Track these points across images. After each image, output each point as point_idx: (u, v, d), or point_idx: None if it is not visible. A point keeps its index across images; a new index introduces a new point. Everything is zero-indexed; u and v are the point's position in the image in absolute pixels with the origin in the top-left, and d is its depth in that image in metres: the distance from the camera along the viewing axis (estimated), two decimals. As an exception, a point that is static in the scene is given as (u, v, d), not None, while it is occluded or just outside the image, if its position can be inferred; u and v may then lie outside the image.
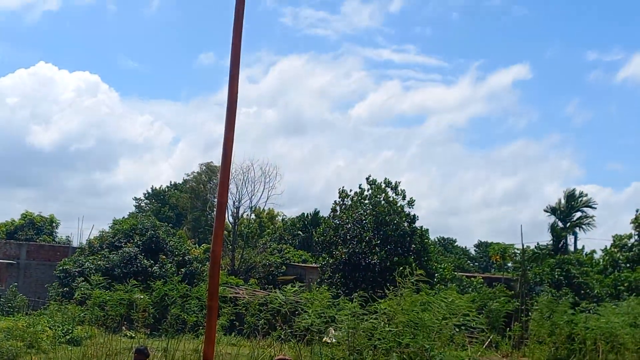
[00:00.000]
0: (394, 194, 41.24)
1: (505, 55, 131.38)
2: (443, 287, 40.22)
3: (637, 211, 52.37)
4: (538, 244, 56.59)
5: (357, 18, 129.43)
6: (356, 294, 20.46)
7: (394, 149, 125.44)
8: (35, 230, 61.71)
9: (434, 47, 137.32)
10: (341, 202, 42.24)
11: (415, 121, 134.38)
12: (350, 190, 42.36)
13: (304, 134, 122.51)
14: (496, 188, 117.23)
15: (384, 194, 40.95)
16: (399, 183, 41.40)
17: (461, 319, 15.91)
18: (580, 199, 58.31)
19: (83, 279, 39.89)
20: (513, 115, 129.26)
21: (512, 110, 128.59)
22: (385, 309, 16.64)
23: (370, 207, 40.67)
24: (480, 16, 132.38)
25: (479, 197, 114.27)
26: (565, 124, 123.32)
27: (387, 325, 15.99)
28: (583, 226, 57.78)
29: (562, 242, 57.22)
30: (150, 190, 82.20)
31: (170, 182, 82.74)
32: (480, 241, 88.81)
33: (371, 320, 16.44)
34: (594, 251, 56.28)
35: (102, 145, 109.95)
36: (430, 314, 15.78)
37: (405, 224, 39.93)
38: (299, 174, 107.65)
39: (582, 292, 44.60)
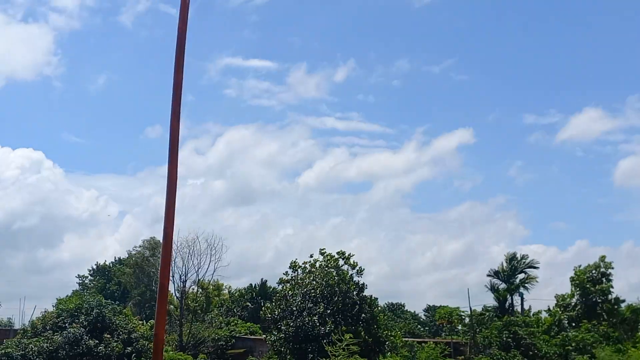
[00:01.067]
0: (345, 265, 41.64)
1: (448, 120, 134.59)
2: (394, 354, 40.23)
3: (574, 270, 53.46)
4: (484, 306, 57.12)
5: (303, 88, 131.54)
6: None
7: (342, 215, 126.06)
8: (-26, 313, 59.90)
9: (378, 114, 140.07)
10: (292, 274, 42.30)
11: (362, 187, 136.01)
12: (303, 263, 42.43)
13: (252, 203, 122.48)
14: (444, 251, 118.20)
15: (335, 266, 41.27)
16: (352, 255, 41.89)
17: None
18: (522, 261, 59.25)
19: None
20: (458, 178, 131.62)
21: (458, 174, 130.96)
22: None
23: (320, 277, 40.81)
24: (421, 83, 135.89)
25: (427, 261, 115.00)
26: (509, 185, 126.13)
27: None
28: (526, 286, 58.61)
29: (507, 304, 57.83)
30: (94, 267, 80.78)
31: (115, 257, 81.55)
32: (429, 305, 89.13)
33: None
34: (539, 312, 57.06)
35: (46, 222, 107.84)
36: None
37: (354, 294, 40.04)
38: (248, 243, 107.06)
39: (531, 352, 45.07)
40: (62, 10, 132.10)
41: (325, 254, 42.00)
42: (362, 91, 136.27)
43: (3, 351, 41.02)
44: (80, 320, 42.16)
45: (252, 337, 52.54)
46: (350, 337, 16.98)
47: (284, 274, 43.12)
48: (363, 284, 41.06)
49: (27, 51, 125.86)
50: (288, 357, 36.92)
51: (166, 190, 9.43)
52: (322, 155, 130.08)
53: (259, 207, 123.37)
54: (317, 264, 41.92)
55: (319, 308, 39.17)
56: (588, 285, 51.42)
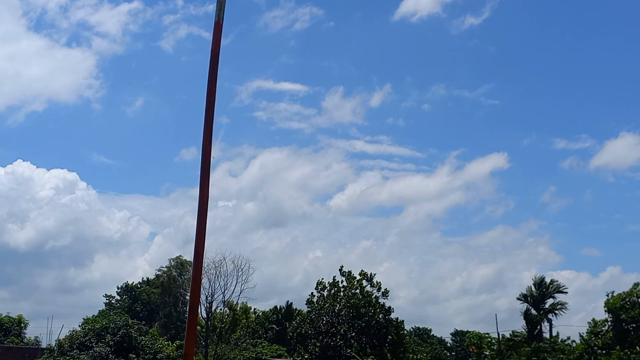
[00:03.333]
0: (369, 286, 41.30)
1: (483, 144, 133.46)
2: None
3: (607, 295, 52.45)
4: (513, 332, 56.22)
5: (338, 113, 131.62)
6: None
7: (373, 239, 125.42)
8: (2, 331, 60.23)
9: (412, 138, 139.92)
10: (318, 294, 42.16)
11: (393, 211, 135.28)
12: (328, 283, 42.31)
13: (283, 226, 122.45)
14: (474, 276, 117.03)
15: (359, 286, 40.95)
16: (374, 275, 41.44)
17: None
18: (551, 285, 58.37)
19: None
20: (491, 203, 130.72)
21: (490, 199, 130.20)
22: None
23: (345, 299, 40.56)
24: (455, 107, 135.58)
25: (457, 286, 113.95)
26: (542, 211, 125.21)
27: None
28: (556, 312, 57.66)
29: (537, 330, 56.92)
30: (122, 286, 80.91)
31: (143, 278, 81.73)
32: (457, 330, 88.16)
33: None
34: (569, 338, 56.05)
35: (77, 242, 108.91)
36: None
37: (381, 316, 39.76)
38: (277, 266, 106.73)
39: (560, 380, 44.30)
40: (105, 35, 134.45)
41: (346, 275, 41.75)
42: (393, 115, 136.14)
43: (30, 369, 41.30)
44: (107, 339, 42.26)
45: (278, 359, 52.16)
46: (372, 359, 16.79)
47: (309, 294, 43.02)
48: (389, 307, 40.74)
49: (69, 75, 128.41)
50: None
51: (197, 211, 9.41)
52: (354, 179, 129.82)
53: (289, 229, 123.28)
54: (341, 284, 41.76)
55: (344, 329, 38.96)
56: (621, 313, 50.46)
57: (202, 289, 53.34)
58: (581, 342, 52.63)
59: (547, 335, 57.26)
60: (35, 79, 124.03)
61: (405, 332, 44.69)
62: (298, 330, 41.86)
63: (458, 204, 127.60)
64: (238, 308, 63.53)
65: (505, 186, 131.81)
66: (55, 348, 44.89)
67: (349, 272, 42.05)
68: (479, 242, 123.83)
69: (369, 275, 41.47)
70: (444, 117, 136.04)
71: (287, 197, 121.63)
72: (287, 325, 53.80)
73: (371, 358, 16.47)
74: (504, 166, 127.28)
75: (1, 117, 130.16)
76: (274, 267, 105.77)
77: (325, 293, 41.95)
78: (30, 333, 65.09)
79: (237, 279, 53.72)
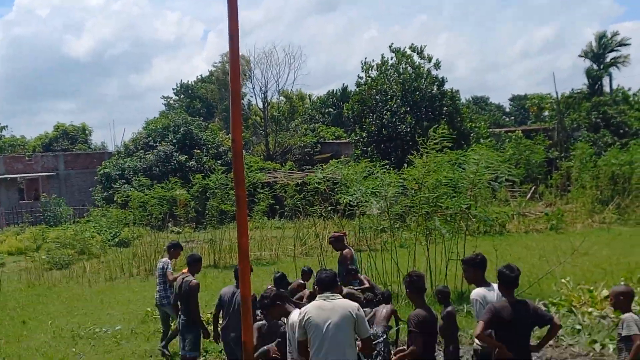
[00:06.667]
0: (419, 59, 40.45)
1: None
2: (480, 145, 39.90)
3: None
4: (573, 89, 55.31)
5: None
6: (386, 162, 20.37)
7: (428, 12, 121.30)
8: (69, 140, 62.37)
9: None
10: (366, 75, 41.68)
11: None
12: (373, 61, 41.64)
13: (336, 9, 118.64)
14: (534, 38, 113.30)
15: (409, 61, 40.16)
16: (425, 47, 40.43)
17: (494, 173, 15.39)
18: (613, 39, 56.37)
19: (124, 181, 40.63)
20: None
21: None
22: (409, 175, 16.22)
23: (396, 75, 40.02)
24: None
25: (517, 50, 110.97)
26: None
27: (419, 191, 15.76)
28: (617, 65, 56.14)
29: (597, 85, 55.84)
30: (178, 86, 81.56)
31: (198, 75, 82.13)
32: (514, 95, 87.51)
33: (401, 186, 16.13)
34: (629, 89, 54.99)
35: (135, 47, 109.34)
36: (459, 173, 15.44)
37: (434, 88, 39.28)
38: (334, 51, 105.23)
39: (621, 131, 44.00)
40: None
41: (396, 51, 40.85)
42: None
43: (102, 172, 43.06)
44: (169, 138, 43.36)
45: (338, 141, 53.06)
46: (443, 130, 16.54)
47: (357, 76, 42.62)
48: (442, 77, 40.09)
49: None
50: (373, 157, 37.14)
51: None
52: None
53: (343, 11, 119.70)
54: (390, 62, 41.04)
55: (396, 105, 38.83)
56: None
57: (254, 79, 53.61)
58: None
59: (607, 89, 56.24)
60: None
61: (461, 101, 44.31)
62: (352, 112, 42.00)
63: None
64: (293, 95, 63.94)
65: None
66: (122, 150, 46.40)
67: (398, 48, 41.14)
68: (538, 1, 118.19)
69: (419, 48, 40.51)
70: None
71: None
72: (344, 108, 54.07)
73: (442, 129, 16.06)
74: None
75: None
76: (330, 52, 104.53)
77: (374, 73, 41.37)
78: (94, 140, 67.45)
79: (289, 67, 53.75)
